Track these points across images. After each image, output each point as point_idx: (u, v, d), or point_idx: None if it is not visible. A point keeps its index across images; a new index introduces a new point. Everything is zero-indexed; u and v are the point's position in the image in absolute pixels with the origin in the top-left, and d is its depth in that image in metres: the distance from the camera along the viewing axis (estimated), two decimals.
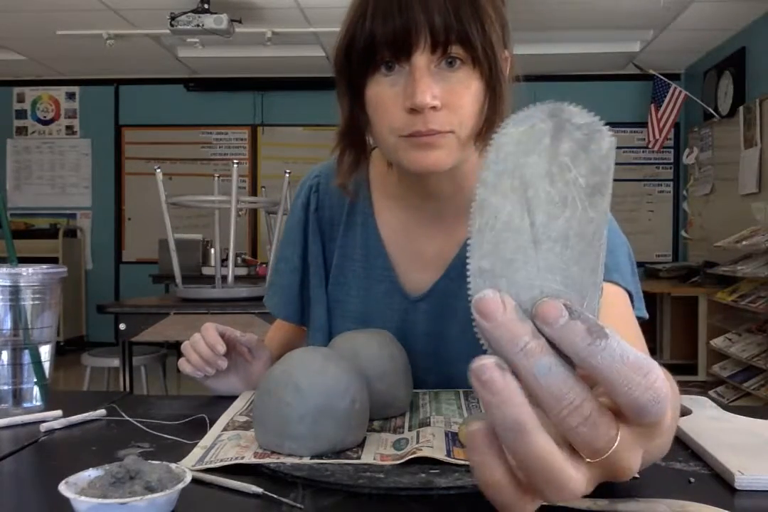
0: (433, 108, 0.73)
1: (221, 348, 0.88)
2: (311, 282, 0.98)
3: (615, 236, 0.86)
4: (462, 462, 0.64)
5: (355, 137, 0.83)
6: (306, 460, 0.66)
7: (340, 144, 0.85)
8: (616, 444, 0.34)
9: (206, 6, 4.38)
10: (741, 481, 0.61)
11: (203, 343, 0.89)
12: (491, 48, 0.74)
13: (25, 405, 0.87)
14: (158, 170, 2.94)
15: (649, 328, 5.72)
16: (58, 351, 1.00)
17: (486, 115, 0.77)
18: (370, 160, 0.96)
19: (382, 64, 0.75)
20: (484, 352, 0.52)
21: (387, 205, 0.94)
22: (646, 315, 0.86)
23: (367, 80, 0.77)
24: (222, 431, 0.75)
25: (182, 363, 0.91)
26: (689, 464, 0.68)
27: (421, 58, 0.73)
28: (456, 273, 0.90)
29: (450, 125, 0.75)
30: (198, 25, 4.38)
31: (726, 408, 0.84)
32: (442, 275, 0.91)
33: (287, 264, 1.01)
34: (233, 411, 0.83)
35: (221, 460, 0.66)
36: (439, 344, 0.92)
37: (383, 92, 0.76)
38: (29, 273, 0.85)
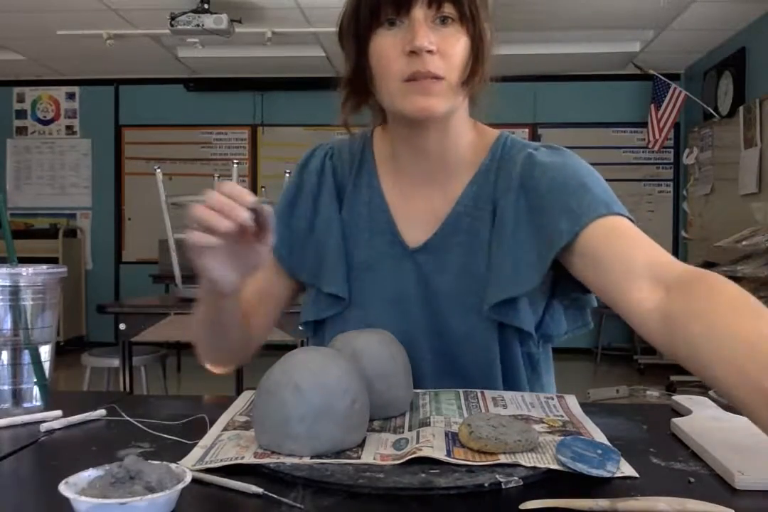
0: (429, 52, 0.86)
1: (250, 197, 0.73)
2: (329, 234, 1.02)
3: (587, 176, 0.94)
4: (462, 462, 0.64)
5: (359, 84, 0.95)
6: (306, 460, 0.66)
7: (346, 89, 0.97)
8: None
9: (206, 6, 4.38)
10: (741, 481, 0.61)
11: (222, 196, 0.73)
12: (476, 8, 0.88)
13: (25, 405, 0.87)
14: (158, 170, 2.94)
15: None
16: (58, 351, 1.00)
17: (470, 67, 0.90)
18: (373, 136, 1.07)
19: (386, 20, 0.88)
20: (471, 308, 0.83)
21: (386, 170, 1.04)
22: (617, 210, 0.89)
23: (371, 35, 0.90)
24: (222, 431, 0.75)
25: (191, 233, 0.73)
26: (689, 464, 0.68)
27: (419, 12, 0.87)
28: (450, 229, 0.99)
29: (443, 70, 0.87)
30: (198, 25, 4.38)
31: (726, 408, 0.84)
32: (437, 230, 0.99)
33: (291, 219, 1.04)
34: (234, 411, 0.83)
35: (221, 460, 0.66)
36: (431, 295, 0.98)
37: (386, 42, 0.89)
38: (29, 273, 0.85)
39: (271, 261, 1.00)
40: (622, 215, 0.88)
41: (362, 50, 0.91)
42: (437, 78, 0.87)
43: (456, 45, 0.88)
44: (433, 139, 0.96)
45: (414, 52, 0.86)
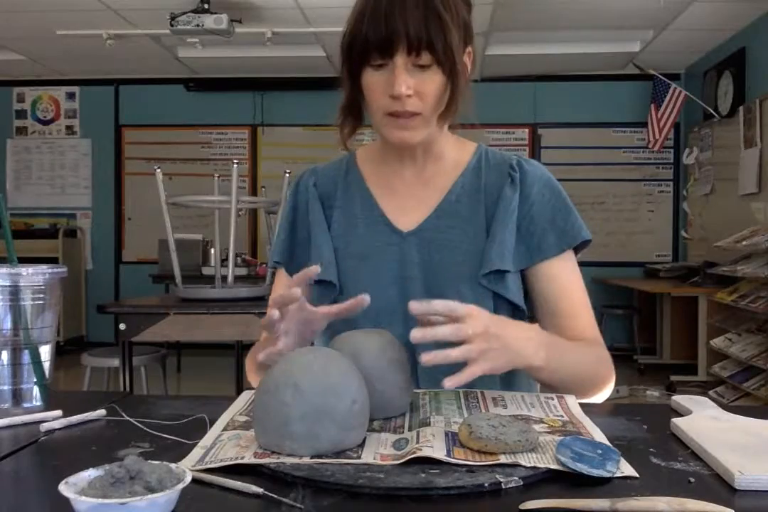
0: (408, 96, 0.97)
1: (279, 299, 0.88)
2: (314, 231, 1.13)
3: (565, 195, 1.11)
4: (462, 462, 0.64)
5: (353, 110, 1.07)
6: (306, 460, 0.66)
7: (342, 115, 1.07)
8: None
9: (206, 6, 4.38)
10: (741, 481, 0.61)
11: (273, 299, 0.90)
12: (451, 52, 0.96)
13: (25, 405, 0.87)
14: (158, 170, 2.94)
15: (649, 328, 5.73)
16: (58, 351, 1.00)
17: (447, 100, 1.01)
18: (356, 152, 1.18)
19: (374, 64, 0.98)
20: (466, 280, 1.05)
21: (373, 171, 1.15)
22: (590, 236, 1.09)
23: (363, 70, 1.00)
24: (222, 431, 0.75)
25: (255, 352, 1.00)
26: (689, 464, 0.68)
27: (400, 59, 0.96)
28: (443, 213, 1.09)
29: (420, 108, 0.99)
30: (198, 25, 4.38)
31: (726, 408, 0.84)
32: (430, 215, 1.10)
33: (293, 233, 1.19)
34: (234, 410, 0.83)
35: (221, 460, 0.66)
36: (429, 271, 1.07)
37: (373, 81, 0.99)
38: (29, 273, 0.85)
39: (286, 279, 1.17)
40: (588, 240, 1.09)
41: (356, 82, 1.01)
42: (414, 114, 0.99)
43: (431, 86, 0.98)
44: (419, 151, 1.09)
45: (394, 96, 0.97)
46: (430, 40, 0.94)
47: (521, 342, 0.87)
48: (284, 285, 1.16)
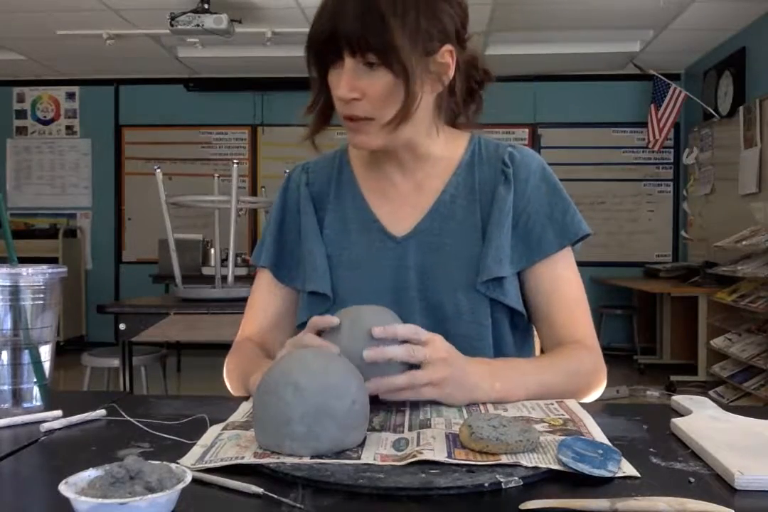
0: (355, 99, 0.93)
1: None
2: (306, 235, 1.10)
3: (561, 185, 1.07)
4: (462, 463, 0.64)
5: (321, 106, 1.03)
6: (306, 460, 0.66)
7: (312, 106, 1.04)
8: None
9: (206, 6, 4.38)
10: (741, 481, 0.61)
11: None
12: (396, 53, 0.90)
13: (25, 405, 0.87)
14: (158, 170, 2.94)
15: (649, 328, 5.73)
16: (58, 351, 1.00)
17: (402, 103, 0.94)
18: (348, 149, 1.15)
19: (332, 63, 0.95)
20: (462, 286, 1.02)
21: (366, 175, 1.12)
22: (589, 230, 1.06)
23: (327, 71, 0.97)
24: (222, 430, 0.75)
25: None
26: (689, 464, 0.68)
27: (349, 60, 0.92)
28: (437, 215, 1.06)
29: (369, 113, 0.95)
30: (198, 25, 4.38)
31: (726, 408, 0.84)
32: (423, 217, 1.06)
33: (281, 234, 1.15)
34: (233, 419, 0.82)
35: (221, 459, 0.66)
36: (424, 277, 1.04)
37: (332, 82, 0.96)
38: (29, 273, 0.85)
39: (270, 282, 1.16)
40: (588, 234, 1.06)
41: (323, 79, 0.98)
42: (367, 119, 0.95)
43: (382, 88, 0.93)
44: (404, 154, 1.05)
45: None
46: (366, 37, 0.89)
47: (477, 376, 0.86)
48: (267, 290, 1.17)
